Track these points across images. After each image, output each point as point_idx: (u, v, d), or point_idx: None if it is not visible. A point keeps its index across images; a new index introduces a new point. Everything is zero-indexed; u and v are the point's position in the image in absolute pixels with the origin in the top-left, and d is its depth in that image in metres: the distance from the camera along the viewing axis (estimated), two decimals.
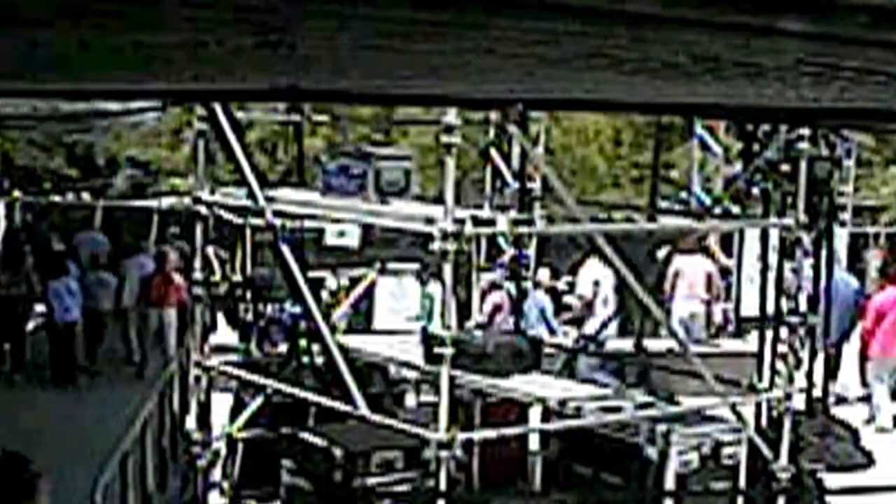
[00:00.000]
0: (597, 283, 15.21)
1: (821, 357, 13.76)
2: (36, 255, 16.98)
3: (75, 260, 17.45)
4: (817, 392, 13.37)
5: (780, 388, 9.81)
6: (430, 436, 8.40)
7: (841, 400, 14.75)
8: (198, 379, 10.61)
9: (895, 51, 2.12)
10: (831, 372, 14.41)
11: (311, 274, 10.77)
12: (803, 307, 11.30)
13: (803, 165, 9.68)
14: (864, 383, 14.91)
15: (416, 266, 14.56)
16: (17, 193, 24.25)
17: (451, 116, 8.34)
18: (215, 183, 10.79)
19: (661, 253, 15.76)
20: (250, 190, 9.81)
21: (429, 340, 9.27)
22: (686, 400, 10.27)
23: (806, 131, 9.77)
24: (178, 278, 16.38)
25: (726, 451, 9.53)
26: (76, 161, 28.19)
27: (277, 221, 9.81)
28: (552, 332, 15.72)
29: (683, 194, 20.70)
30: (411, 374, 11.11)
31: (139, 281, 16.71)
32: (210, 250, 12.71)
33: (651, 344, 13.24)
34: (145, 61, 2.55)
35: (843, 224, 17.59)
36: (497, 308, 14.70)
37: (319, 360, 10.44)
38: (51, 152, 27.49)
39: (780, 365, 10.01)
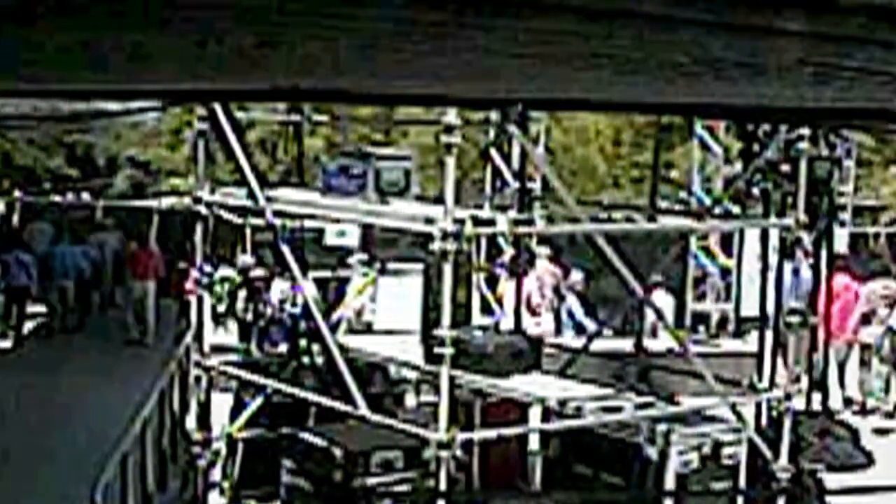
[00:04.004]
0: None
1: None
2: None
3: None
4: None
5: (779, 388, 9.81)
6: (430, 436, 8.40)
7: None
8: (198, 379, 10.61)
9: (895, 51, 2.12)
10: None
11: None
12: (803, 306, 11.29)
13: (803, 165, 9.68)
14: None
15: (418, 266, 14.57)
16: (17, 193, 24.26)
17: (451, 116, 8.34)
18: (215, 183, 10.79)
19: None
20: (250, 190, 9.81)
21: (429, 340, 9.27)
22: (686, 400, 10.27)
23: (806, 131, 9.77)
24: (157, 254, 19.16)
25: (726, 451, 9.53)
26: (76, 161, 28.17)
27: (277, 221, 9.82)
28: (582, 331, 15.73)
29: (683, 194, 20.69)
30: (411, 374, 11.12)
31: (112, 255, 20.20)
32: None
33: (651, 344, 13.24)
34: (145, 61, 2.56)
35: (843, 224, 17.60)
36: None
37: (319, 360, 10.45)
38: (51, 152, 27.47)
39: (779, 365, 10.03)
